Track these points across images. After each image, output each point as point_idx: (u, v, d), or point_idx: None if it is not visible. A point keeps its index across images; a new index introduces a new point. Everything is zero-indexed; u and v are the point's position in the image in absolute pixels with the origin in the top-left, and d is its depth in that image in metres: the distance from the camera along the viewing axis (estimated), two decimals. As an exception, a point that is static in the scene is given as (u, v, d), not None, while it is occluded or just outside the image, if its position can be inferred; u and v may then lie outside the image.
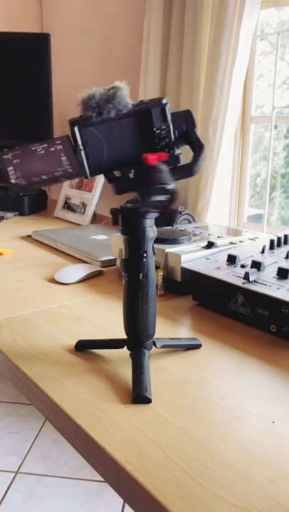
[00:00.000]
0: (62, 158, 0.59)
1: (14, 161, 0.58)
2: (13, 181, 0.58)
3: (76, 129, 0.59)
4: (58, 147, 0.59)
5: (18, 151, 0.58)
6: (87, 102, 0.58)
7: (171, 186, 0.57)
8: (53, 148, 0.59)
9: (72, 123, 0.59)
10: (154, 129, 0.61)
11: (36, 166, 0.59)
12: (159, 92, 1.44)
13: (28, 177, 0.58)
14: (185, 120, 0.62)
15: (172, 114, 0.62)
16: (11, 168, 0.58)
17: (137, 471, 0.46)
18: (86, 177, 0.61)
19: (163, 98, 0.61)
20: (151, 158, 0.57)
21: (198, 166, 0.62)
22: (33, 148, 0.59)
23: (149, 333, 0.63)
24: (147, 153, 0.59)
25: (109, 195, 1.69)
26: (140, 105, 0.61)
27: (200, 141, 0.63)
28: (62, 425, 0.57)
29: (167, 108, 0.61)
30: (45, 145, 0.59)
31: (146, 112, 0.61)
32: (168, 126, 0.61)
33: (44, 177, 0.59)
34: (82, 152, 0.60)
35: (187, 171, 0.62)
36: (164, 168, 0.58)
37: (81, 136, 0.60)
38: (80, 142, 0.59)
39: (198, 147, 0.62)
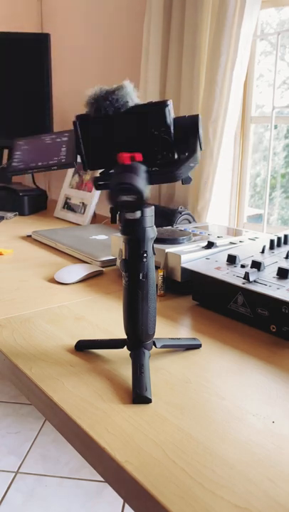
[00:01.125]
0: (63, 149, 0.61)
1: (23, 147, 0.61)
2: (14, 163, 0.60)
3: (77, 123, 0.62)
4: (63, 139, 0.61)
5: (30, 139, 0.62)
6: (88, 99, 0.60)
7: (138, 187, 0.55)
8: (59, 139, 0.61)
9: (76, 117, 0.61)
10: (152, 129, 0.61)
11: (38, 154, 0.61)
12: (159, 92, 1.44)
13: (27, 162, 0.61)
14: (189, 125, 0.61)
15: (179, 118, 0.61)
16: (19, 152, 0.61)
17: (137, 471, 0.46)
18: (73, 167, 0.64)
19: (168, 100, 0.61)
20: (124, 157, 0.57)
21: (181, 173, 0.60)
22: (43, 137, 0.61)
23: (149, 333, 0.63)
24: (144, 152, 0.59)
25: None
26: (141, 105, 0.61)
27: (194, 149, 0.61)
28: (62, 425, 0.57)
29: (168, 110, 0.60)
30: (55, 136, 0.61)
31: (144, 112, 0.61)
32: (167, 128, 0.61)
33: (39, 163, 0.61)
34: (82, 146, 0.61)
35: (169, 176, 0.61)
36: (138, 168, 0.57)
37: (80, 130, 0.62)
38: (79, 135, 0.62)
39: (188, 154, 0.61)
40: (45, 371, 0.64)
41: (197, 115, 0.61)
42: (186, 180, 0.62)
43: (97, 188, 0.63)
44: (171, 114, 0.61)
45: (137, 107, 0.61)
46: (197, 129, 0.61)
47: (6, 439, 1.79)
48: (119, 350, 0.66)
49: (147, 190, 0.56)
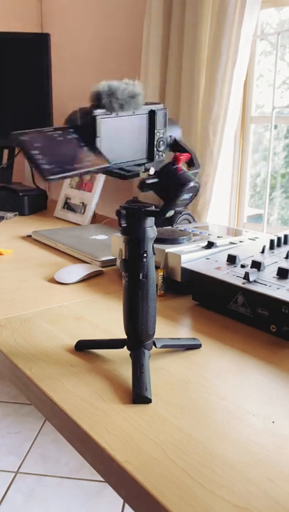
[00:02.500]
0: (83, 148, 0.57)
1: (36, 145, 0.54)
2: (45, 166, 0.52)
3: (94, 117, 0.58)
4: (72, 135, 0.59)
5: (33, 133, 0.54)
6: (109, 91, 0.58)
7: (196, 183, 0.59)
8: (69, 136, 0.57)
9: (92, 110, 0.58)
10: (156, 131, 0.61)
11: (61, 153, 0.57)
12: (159, 92, 1.44)
13: (59, 164, 0.55)
14: (176, 128, 0.64)
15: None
16: (36, 152, 0.55)
17: (137, 471, 0.46)
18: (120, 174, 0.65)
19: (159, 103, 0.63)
20: (182, 159, 0.59)
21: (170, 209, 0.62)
22: (48, 132, 0.55)
23: (149, 333, 0.63)
24: (143, 152, 0.60)
25: (109, 195, 1.69)
26: (146, 105, 0.62)
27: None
28: (62, 425, 0.57)
29: (167, 113, 0.63)
30: (60, 131, 0.57)
31: (151, 113, 0.62)
32: (166, 130, 0.62)
33: (76, 165, 0.58)
34: (99, 143, 0.58)
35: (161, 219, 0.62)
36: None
37: (98, 126, 0.58)
38: (97, 132, 0.59)
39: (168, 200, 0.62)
40: (45, 371, 0.64)
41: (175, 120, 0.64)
42: (192, 190, 0.62)
43: (144, 190, 0.62)
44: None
45: (145, 105, 0.62)
46: (181, 189, 0.61)
47: (6, 439, 1.79)
48: (119, 350, 0.66)
49: None
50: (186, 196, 0.59)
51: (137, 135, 0.61)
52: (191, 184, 0.59)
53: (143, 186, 0.62)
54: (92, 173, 0.61)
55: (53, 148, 0.54)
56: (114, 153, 0.59)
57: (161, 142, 0.62)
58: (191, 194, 0.59)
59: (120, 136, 0.60)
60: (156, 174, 0.62)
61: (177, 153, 0.61)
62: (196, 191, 0.60)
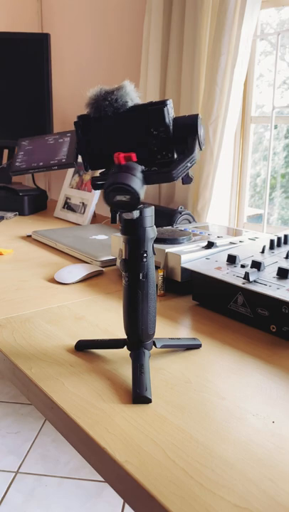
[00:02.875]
0: (64, 149, 0.61)
1: (26, 148, 0.62)
2: (17, 163, 0.61)
3: (78, 123, 0.62)
4: (65, 139, 0.62)
5: (34, 139, 0.62)
6: (88, 99, 0.60)
7: (132, 187, 0.54)
8: (61, 140, 0.62)
9: (77, 117, 0.62)
10: (152, 129, 0.61)
11: (40, 154, 0.62)
12: (159, 92, 1.44)
13: (29, 162, 0.62)
14: (188, 124, 0.61)
15: (178, 118, 0.61)
16: (22, 152, 0.61)
17: (137, 471, 0.46)
18: (73, 167, 0.64)
19: (167, 100, 0.61)
20: (120, 157, 0.57)
21: (179, 173, 0.59)
22: (46, 138, 0.62)
23: (149, 333, 0.63)
24: (143, 152, 0.59)
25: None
26: (140, 105, 0.61)
27: (192, 149, 0.60)
28: (63, 425, 0.57)
29: (166, 110, 0.60)
30: (57, 136, 0.62)
31: (144, 112, 0.61)
32: (166, 128, 0.60)
33: (41, 163, 0.62)
34: (82, 146, 0.62)
35: (166, 176, 0.59)
36: (134, 168, 0.56)
37: (81, 130, 0.62)
38: (80, 136, 0.62)
39: (186, 153, 0.60)
40: (45, 371, 0.64)
41: (197, 115, 0.61)
42: (186, 180, 0.61)
43: (94, 188, 0.63)
44: (170, 113, 0.61)
45: (137, 106, 0.61)
46: (196, 128, 0.60)
47: (6, 439, 1.79)
48: (119, 350, 0.66)
49: (142, 190, 0.55)
50: (118, 197, 0.56)
51: (123, 134, 0.63)
52: (118, 185, 0.55)
53: (93, 186, 0.63)
54: (53, 169, 0.64)
55: (38, 149, 0.62)
56: (97, 155, 0.63)
57: (159, 140, 0.61)
58: (123, 196, 0.55)
59: (106, 138, 0.63)
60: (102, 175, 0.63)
61: (115, 153, 0.59)
62: (127, 193, 0.56)
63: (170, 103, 0.61)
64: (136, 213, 0.58)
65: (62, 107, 2.00)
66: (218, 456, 0.48)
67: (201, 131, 0.61)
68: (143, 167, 0.58)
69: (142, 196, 0.55)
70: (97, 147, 0.63)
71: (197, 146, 0.60)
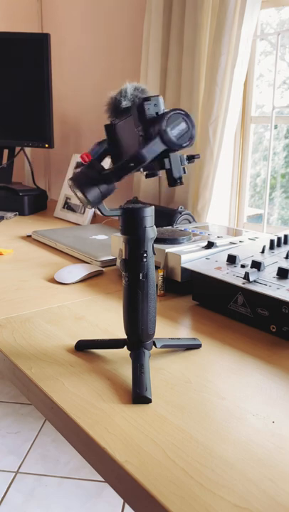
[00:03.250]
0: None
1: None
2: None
3: (106, 127, 0.68)
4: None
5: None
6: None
7: (76, 185, 0.60)
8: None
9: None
10: (135, 129, 0.61)
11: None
12: (159, 92, 1.44)
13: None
14: (163, 119, 0.58)
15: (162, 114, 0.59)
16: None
17: (137, 471, 0.46)
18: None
19: (157, 96, 0.59)
20: (81, 156, 0.62)
21: (145, 154, 0.57)
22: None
23: (149, 333, 0.63)
24: (138, 149, 0.59)
25: (109, 195, 1.69)
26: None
27: (160, 131, 0.57)
28: (63, 425, 0.57)
29: (146, 106, 0.58)
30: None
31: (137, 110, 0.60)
32: (144, 124, 0.59)
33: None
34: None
35: (134, 157, 0.58)
36: (91, 167, 0.61)
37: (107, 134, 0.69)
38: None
39: (154, 135, 0.58)
40: (45, 371, 0.64)
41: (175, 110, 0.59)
42: (174, 182, 0.60)
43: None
44: (154, 109, 0.59)
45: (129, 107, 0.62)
46: (163, 115, 0.57)
47: (6, 439, 1.79)
48: (119, 350, 0.66)
49: (92, 188, 0.59)
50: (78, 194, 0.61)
51: (127, 133, 0.64)
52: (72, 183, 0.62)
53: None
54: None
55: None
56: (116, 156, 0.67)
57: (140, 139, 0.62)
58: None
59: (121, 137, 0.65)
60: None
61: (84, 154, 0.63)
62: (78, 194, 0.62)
63: (157, 99, 0.59)
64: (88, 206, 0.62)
65: (62, 107, 2.00)
66: (218, 456, 0.48)
67: (170, 115, 0.58)
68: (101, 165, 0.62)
69: (94, 198, 0.59)
70: (116, 149, 0.67)
71: (163, 128, 0.57)
